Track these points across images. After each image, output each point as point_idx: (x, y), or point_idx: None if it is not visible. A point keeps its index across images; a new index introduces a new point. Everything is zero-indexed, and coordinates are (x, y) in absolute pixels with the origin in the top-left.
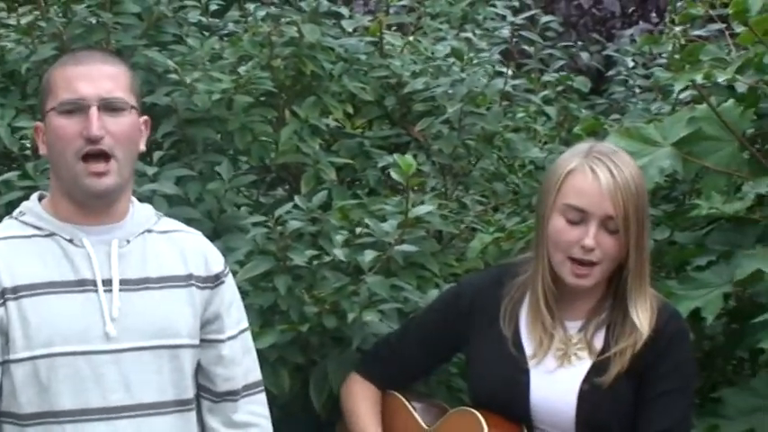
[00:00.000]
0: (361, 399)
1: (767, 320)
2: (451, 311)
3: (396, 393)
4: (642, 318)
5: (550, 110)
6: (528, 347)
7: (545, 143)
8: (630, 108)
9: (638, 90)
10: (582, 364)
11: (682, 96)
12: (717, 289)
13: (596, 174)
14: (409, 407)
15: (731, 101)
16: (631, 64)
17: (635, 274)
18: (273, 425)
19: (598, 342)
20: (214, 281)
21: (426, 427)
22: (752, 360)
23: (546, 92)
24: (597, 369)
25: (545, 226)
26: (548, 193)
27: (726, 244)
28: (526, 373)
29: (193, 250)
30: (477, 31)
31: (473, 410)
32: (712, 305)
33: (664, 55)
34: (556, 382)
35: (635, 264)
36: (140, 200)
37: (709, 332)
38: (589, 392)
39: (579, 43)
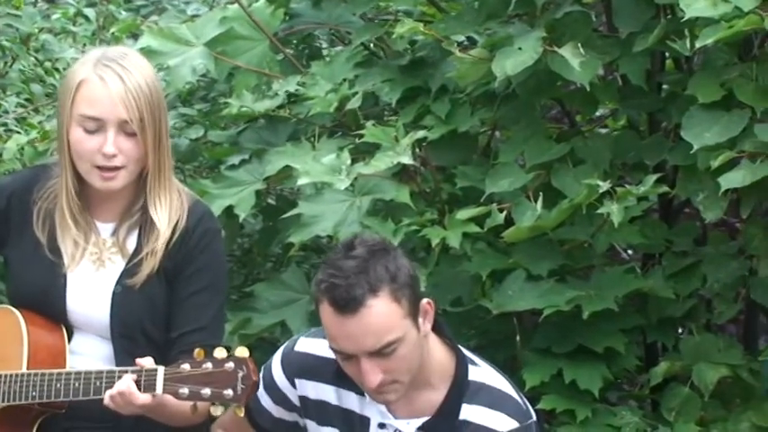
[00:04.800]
0: None
1: (296, 216)
2: None
3: None
4: (162, 217)
5: (90, 12)
6: (65, 253)
7: (84, 45)
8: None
9: None
10: (115, 268)
11: None
12: (249, 186)
13: (105, 81)
14: None
15: (262, 1)
16: None
17: (155, 174)
18: None
19: (131, 244)
20: None
21: None
22: (285, 255)
23: None
24: (129, 271)
25: (66, 136)
26: (64, 105)
27: (259, 142)
28: (63, 278)
29: None
30: None
31: (11, 308)
32: (245, 203)
33: None
34: (91, 287)
35: (154, 164)
36: None
37: (248, 230)
38: (121, 294)
39: None
